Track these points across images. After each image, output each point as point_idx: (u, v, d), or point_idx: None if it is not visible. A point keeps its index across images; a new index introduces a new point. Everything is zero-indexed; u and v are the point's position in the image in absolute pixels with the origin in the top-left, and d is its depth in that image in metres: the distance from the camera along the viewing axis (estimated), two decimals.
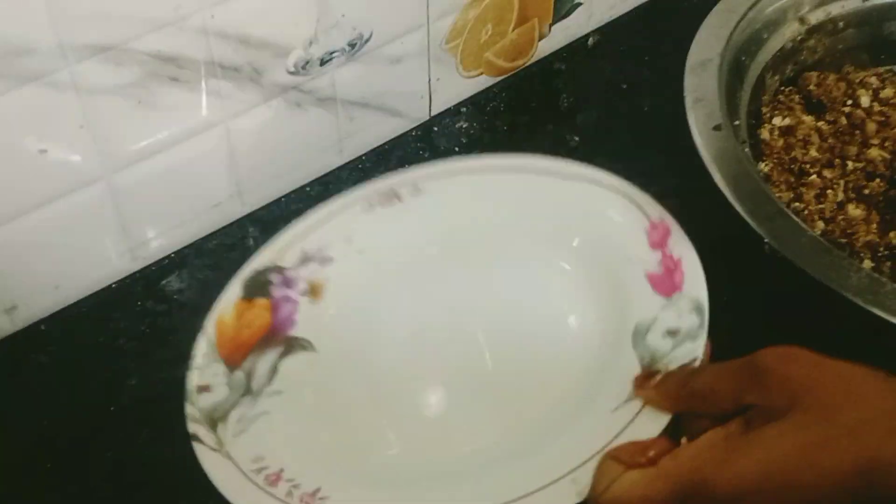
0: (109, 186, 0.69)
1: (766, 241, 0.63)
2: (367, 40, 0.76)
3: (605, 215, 0.71)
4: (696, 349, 0.63)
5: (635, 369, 0.64)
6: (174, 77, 0.67)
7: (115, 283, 0.74)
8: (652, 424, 0.61)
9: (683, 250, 0.68)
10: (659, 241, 0.69)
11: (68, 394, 0.69)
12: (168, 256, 0.76)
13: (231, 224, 0.78)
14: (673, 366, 0.62)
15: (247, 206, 0.78)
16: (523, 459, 0.63)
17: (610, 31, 0.94)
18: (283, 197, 0.80)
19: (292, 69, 0.73)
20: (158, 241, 0.75)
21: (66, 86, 0.63)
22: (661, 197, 0.80)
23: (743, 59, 0.76)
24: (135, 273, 0.75)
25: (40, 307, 0.72)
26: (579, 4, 0.90)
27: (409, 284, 0.72)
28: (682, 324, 0.64)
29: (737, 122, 0.72)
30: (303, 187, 0.80)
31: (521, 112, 0.87)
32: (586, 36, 0.93)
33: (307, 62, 0.73)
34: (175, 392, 0.66)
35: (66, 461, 0.66)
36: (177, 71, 0.67)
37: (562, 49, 0.92)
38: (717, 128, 0.69)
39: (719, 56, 0.74)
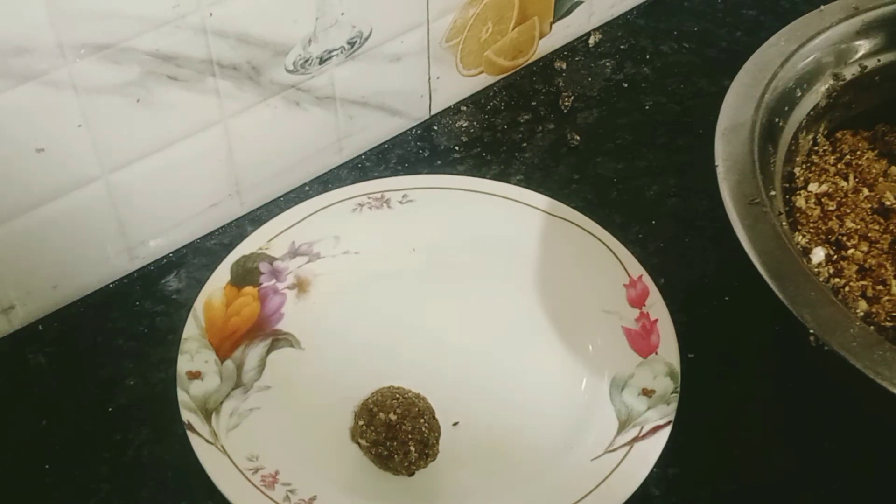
0: (107, 186, 0.69)
1: (811, 332, 0.59)
2: (366, 38, 0.76)
3: (589, 262, 0.73)
4: (669, 413, 0.65)
5: (613, 423, 0.65)
6: (173, 76, 0.67)
7: (113, 283, 0.74)
8: (634, 476, 0.62)
9: (660, 313, 0.70)
10: (637, 300, 0.71)
11: (66, 394, 0.69)
12: (166, 256, 0.76)
13: (230, 224, 0.78)
14: (648, 426, 0.64)
15: (245, 205, 0.78)
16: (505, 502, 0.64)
17: (611, 30, 0.93)
18: (281, 196, 0.79)
19: (291, 68, 0.73)
20: (156, 241, 0.75)
21: (65, 85, 0.63)
22: (662, 196, 0.80)
23: (777, 120, 0.72)
24: (133, 273, 0.75)
25: (38, 307, 0.72)
26: (580, 3, 0.90)
27: (392, 293, 0.73)
28: (656, 386, 0.66)
29: (772, 193, 0.68)
30: (302, 186, 0.80)
31: (521, 111, 0.87)
32: (587, 34, 0.93)
33: (306, 61, 0.73)
34: (173, 393, 0.66)
35: (64, 462, 0.66)
36: (175, 70, 0.67)
37: (562, 47, 0.92)
38: (753, 203, 0.64)
39: (751, 120, 0.69)
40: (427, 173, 0.81)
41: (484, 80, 0.88)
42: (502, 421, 0.67)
